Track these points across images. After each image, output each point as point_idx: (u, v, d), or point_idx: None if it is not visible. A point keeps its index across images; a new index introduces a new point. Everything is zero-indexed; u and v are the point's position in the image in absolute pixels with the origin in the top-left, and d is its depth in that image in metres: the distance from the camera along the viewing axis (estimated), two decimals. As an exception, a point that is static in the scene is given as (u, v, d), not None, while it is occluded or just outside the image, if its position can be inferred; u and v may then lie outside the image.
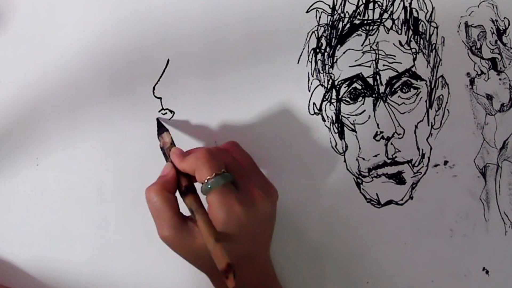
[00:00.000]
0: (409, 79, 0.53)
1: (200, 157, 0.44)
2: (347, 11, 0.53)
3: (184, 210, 0.45)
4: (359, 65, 0.52)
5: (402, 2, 0.53)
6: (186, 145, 0.48)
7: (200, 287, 0.52)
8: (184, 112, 0.51)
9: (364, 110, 0.53)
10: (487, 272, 0.55)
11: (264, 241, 0.48)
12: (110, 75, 0.51)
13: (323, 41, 0.52)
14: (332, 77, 0.52)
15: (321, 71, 0.53)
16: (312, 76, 0.53)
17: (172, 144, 0.48)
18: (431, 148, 0.54)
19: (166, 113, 0.51)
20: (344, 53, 0.53)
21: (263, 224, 0.46)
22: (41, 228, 0.51)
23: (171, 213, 0.44)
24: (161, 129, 0.49)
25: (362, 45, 0.52)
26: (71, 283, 0.51)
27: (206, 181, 0.43)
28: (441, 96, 0.54)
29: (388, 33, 0.53)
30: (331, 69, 0.52)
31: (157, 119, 0.50)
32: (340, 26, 0.52)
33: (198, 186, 0.45)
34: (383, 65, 0.52)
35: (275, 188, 0.47)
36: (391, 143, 0.53)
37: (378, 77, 0.52)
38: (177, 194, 0.46)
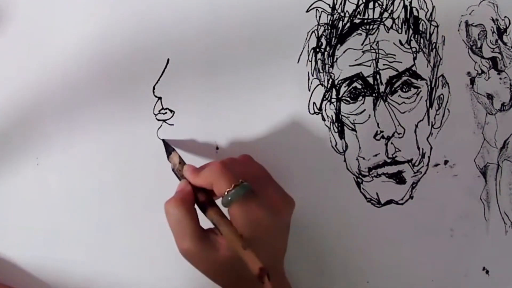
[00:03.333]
0: (409, 78, 0.53)
1: (216, 170, 0.44)
2: (347, 10, 0.52)
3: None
4: (359, 64, 0.52)
5: (402, 1, 0.53)
6: (188, 147, 0.48)
7: (202, 286, 0.52)
8: (184, 112, 0.51)
9: (364, 110, 0.53)
10: (487, 272, 0.55)
11: (283, 250, 0.47)
12: (110, 75, 0.51)
13: (323, 40, 0.52)
14: (332, 77, 0.52)
15: (321, 71, 0.52)
16: (312, 75, 0.52)
17: (182, 162, 0.48)
18: (431, 148, 0.54)
19: (166, 112, 0.51)
20: (344, 52, 0.52)
21: (284, 232, 0.47)
22: (41, 228, 0.51)
23: (193, 225, 0.43)
24: (168, 150, 0.50)
25: (362, 45, 0.52)
26: (71, 283, 0.51)
27: (226, 193, 0.43)
28: (441, 96, 0.54)
29: (388, 32, 0.53)
30: (331, 68, 0.52)
31: (163, 141, 0.51)
32: (340, 25, 0.52)
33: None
34: (383, 65, 0.52)
35: (291, 197, 0.48)
36: (391, 143, 0.53)
37: (378, 77, 0.52)
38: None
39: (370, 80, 0.52)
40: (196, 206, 0.46)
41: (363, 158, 0.53)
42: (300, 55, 0.52)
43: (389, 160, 0.53)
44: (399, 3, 0.53)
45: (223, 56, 0.52)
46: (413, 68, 0.53)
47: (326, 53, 0.52)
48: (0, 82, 0.50)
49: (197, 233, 0.43)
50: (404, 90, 0.53)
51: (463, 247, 0.55)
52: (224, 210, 0.44)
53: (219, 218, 0.43)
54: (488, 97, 0.55)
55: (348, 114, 0.53)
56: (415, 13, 0.53)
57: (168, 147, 0.50)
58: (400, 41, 0.53)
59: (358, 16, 0.52)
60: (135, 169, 0.51)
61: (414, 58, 0.53)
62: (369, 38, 0.52)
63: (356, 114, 0.53)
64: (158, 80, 0.51)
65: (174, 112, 0.51)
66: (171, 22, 0.51)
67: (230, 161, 0.47)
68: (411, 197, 0.54)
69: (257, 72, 0.52)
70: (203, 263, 0.44)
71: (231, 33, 0.52)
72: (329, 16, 0.52)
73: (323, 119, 0.53)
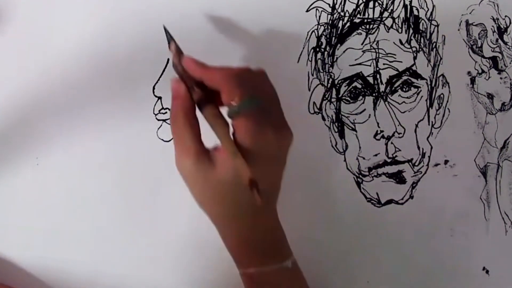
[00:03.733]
0: (410, 78, 0.53)
1: (231, 74, 0.41)
2: (347, 10, 0.52)
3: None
4: (359, 64, 0.52)
5: (402, 1, 0.53)
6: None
7: (201, 286, 0.52)
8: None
9: (364, 109, 0.53)
10: (487, 271, 0.55)
11: (277, 184, 0.45)
12: (110, 75, 0.51)
13: (323, 40, 0.52)
14: (332, 76, 0.52)
15: (321, 70, 0.52)
16: (312, 75, 0.52)
17: (180, 52, 0.45)
18: (431, 147, 0.54)
19: (166, 112, 0.51)
20: (344, 52, 0.52)
21: (281, 162, 0.44)
22: (41, 228, 0.51)
23: (194, 139, 0.41)
24: (168, 37, 0.46)
25: (362, 44, 0.52)
26: (71, 283, 0.51)
27: (235, 103, 0.40)
28: (441, 95, 0.54)
29: (388, 32, 0.53)
30: (331, 68, 0.52)
31: (164, 27, 0.46)
32: (340, 25, 0.52)
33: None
34: (383, 64, 0.52)
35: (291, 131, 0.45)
36: (392, 142, 0.53)
37: (378, 76, 0.52)
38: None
39: (370, 79, 0.52)
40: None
41: (363, 158, 0.53)
42: (300, 54, 0.52)
43: (389, 160, 0.53)
44: (399, 3, 0.53)
45: (223, 56, 0.51)
46: (413, 68, 0.53)
47: (326, 52, 0.52)
48: (0, 82, 0.50)
49: (197, 148, 0.41)
50: (404, 89, 0.53)
51: (463, 247, 0.55)
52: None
53: (216, 119, 0.41)
54: (489, 97, 0.55)
55: (348, 113, 0.53)
56: (415, 12, 0.53)
57: (168, 34, 0.46)
58: (400, 40, 0.53)
59: (358, 15, 0.52)
60: (135, 169, 0.51)
61: (414, 58, 0.53)
62: (369, 38, 0.52)
63: (356, 114, 0.53)
64: (158, 80, 0.51)
65: (174, 112, 0.51)
66: (171, 21, 0.51)
67: (247, 71, 0.44)
68: (411, 197, 0.54)
69: (257, 71, 0.52)
70: (199, 181, 0.42)
71: (231, 33, 0.52)
72: (329, 16, 0.52)
73: (323, 119, 0.53)
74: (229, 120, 0.42)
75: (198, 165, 0.41)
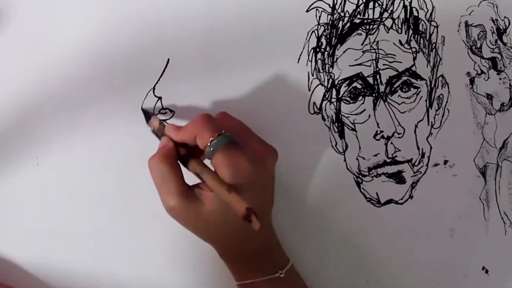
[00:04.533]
0: (409, 78, 0.53)
1: (199, 122, 0.44)
2: (347, 10, 0.52)
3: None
4: (359, 64, 0.52)
5: (402, 1, 0.53)
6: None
7: (200, 287, 0.52)
8: (184, 112, 0.51)
9: (364, 110, 0.53)
10: (486, 271, 0.55)
11: (269, 201, 0.48)
12: (110, 75, 0.51)
13: (323, 40, 0.52)
14: (332, 77, 0.52)
15: (321, 71, 0.52)
16: (312, 75, 0.52)
17: (162, 123, 0.48)
18: (431, 148, 0.54)
19: (166, 112, 0.51)
20: (344, 52, 0.52)
21: (269, 181, 0.47)
22: (41, 228, 0.51)
23: (178, 181, 0.44)
24: (147, 115, 0.50)
25: (362, 44, 0.52)
26: (71, 283, 0.51)
27: (209, 143, 0.43)
28: (441, 96, 0.54)
29: (388, 32, 0.53)
30: (331, 68, 0.52)
31: (142, 109, 0.51)
32: (340, 25, 0.52)
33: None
34: (383, 64, 0.52)
35: (273, 147, 0.48)
36: (391, 143, 0.53)
37: (378, 76, 0.52)
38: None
39: (370, 80, 0.52)
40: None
41: (363, 158, 0.53)
42: (300, 55, 0.52)
43: (389, 160, 0.53)
44: (399, 3, 0.53)
45: (223, 56, 0.52)
46: (413, 68, 0.53)
47: (326, 53, 0.52)
48: (0, 82, 0.50)
49: (182, 188, 0.44)
50: (404, 90, 0.53)
51: (462, 247, 0.55)
52: (208, 164, 0.45)
53: (202, 168, 0.44)
54: (488, 97, 0.55)
55: (348, 114, 0.53)
56: (415, 13, 0.53)
57: (147, 113, 0.50)
58: (400, 41, 0.53)
59: (358, 16, 0.53)
60: (135, 169, 0.51)
61: (414, 58, 0.53)
62: (369, 38, 0.52)
63: (356, 114, 0.53)
64: (158, 80, 0.51)
65: (174, 112, 0.51)
66: (171, 22, 0.51)
67: (208, 116, 0.47)
68: (410, 197, 0.54)
69: (257, 72, 0.52)
70: (190, 219, 0.44)
71: (231, 33, 0.52)
72: (329, 16, 0.52)
73: (323, 119, 0.53)
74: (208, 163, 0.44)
75: (186, 203, 0.43)
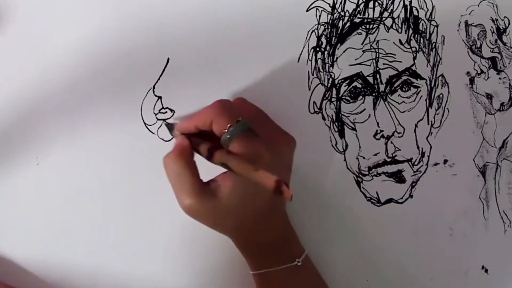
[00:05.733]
0: (409, 78, 0.53)
1: (216, 108, 0.44)
2: (347, 10, 0.52)
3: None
4: (359, 63, 0.52)
5: (402, 1, 0.53)
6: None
7: (201, 286, 0.52)
8: (184, 111, 0.51)
9: (364, 109, 0.53)
10: (486, 270, 0.55)
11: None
12: (110, 74, 0.51)
13: (323, 39, 0.52)
14: (332, 76, 0.52)
15: (321, 70, 0.52)
16: (312, 74, 0.52)
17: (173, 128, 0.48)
18: (431, 147, 0.54)
19: (166, 111, 0.51)
20: (344, 51, 0.52)
21: (286, 171, 0.47)
22: (42, 228, 0.51)
23: (193, 179, 0.43)
24: (170, 128, 0.50)
25: (362, 44, 0.52)
26: (72, 283, 0.51)
27: (226, 130, 0.43)
28: (441, 95, 0.54)
29: (388, 32, 0.53)
30: (331, 67, 0.52)
31: (165, 124, 0.51)
32: (340, 24, 0.52)
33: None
34: (383, 64, 0.52)
35: (292, 136, 0.48)
36: (391, 142, 0.53)
37: (378, 76, 0.52)
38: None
39: (370, 79, 0.52)
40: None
41: (363, 157, 0.53)
42: (300, 54, 0.52)
43: (389, 159, 0.53)
44: (399, 3, 0.53)
45: (223, 56, 0.51)
46: (413, 68, 0.53)
47: (326, 52, 0.52)
48: (0, 82, 0.50)
49: (197, 186, 0.43)
50: (404, 89, 0.53)
51: (462, 246, 0.55)
52: None
53: (228, 155, 0.42)
54: (488, 97, 0.55)
55: (348, 113, 0.53)
56: (415, 12, 0.53)
57: (170, 126, 0.50)
58: (400, 40, 0.53)
59: (358, 15, 0.53)
60: (135, 169, 0.51)
61: (414, 58, 0.53)
62: (369, 38, 0.52)
63: (356, 114, 0.53)
64: (158, 79, 0.51)
65: (174, 112, 0.51)
66: (171, 21, 0.51)
67: (226, 101, 0.47)
68: (410, 196, 0.54)
69: (257, 71, 0.52)
70: (207, 216, 0.44)
71: (231, 32, 0.51)
72: (329, 15, 0.52)
73: (323, 119, 0.53)
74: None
75: (202, 202, 0.43)
